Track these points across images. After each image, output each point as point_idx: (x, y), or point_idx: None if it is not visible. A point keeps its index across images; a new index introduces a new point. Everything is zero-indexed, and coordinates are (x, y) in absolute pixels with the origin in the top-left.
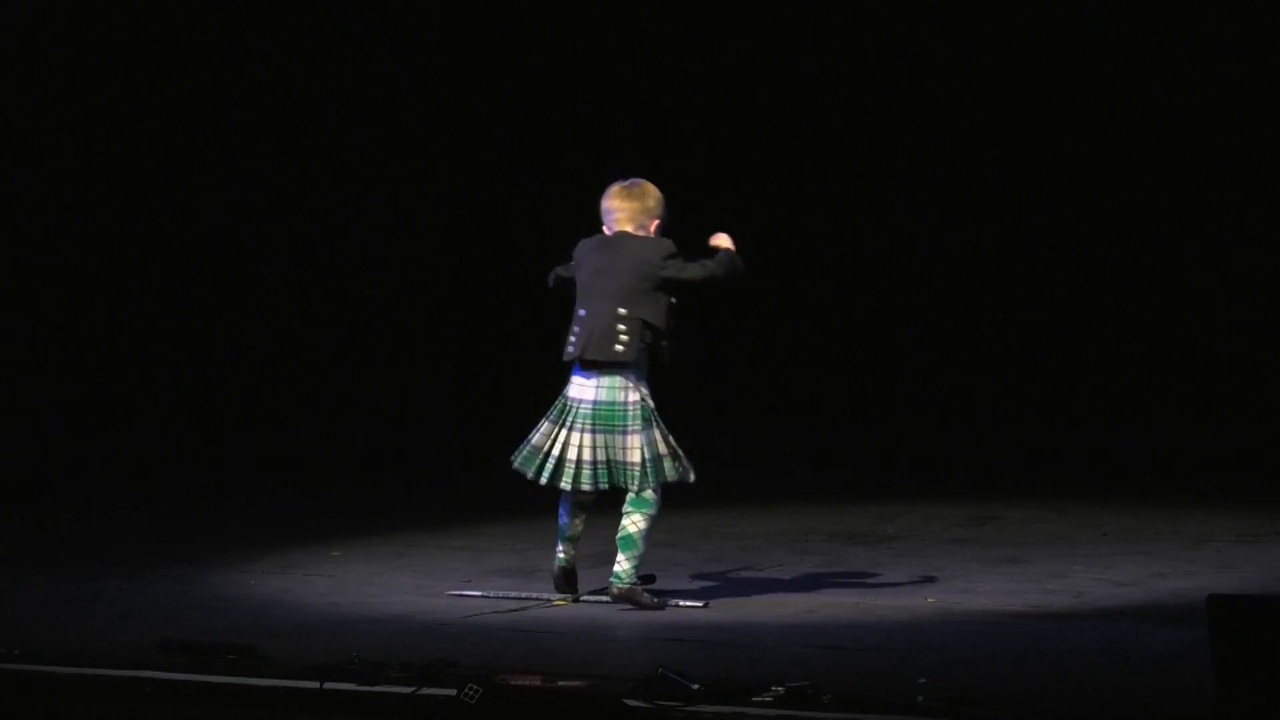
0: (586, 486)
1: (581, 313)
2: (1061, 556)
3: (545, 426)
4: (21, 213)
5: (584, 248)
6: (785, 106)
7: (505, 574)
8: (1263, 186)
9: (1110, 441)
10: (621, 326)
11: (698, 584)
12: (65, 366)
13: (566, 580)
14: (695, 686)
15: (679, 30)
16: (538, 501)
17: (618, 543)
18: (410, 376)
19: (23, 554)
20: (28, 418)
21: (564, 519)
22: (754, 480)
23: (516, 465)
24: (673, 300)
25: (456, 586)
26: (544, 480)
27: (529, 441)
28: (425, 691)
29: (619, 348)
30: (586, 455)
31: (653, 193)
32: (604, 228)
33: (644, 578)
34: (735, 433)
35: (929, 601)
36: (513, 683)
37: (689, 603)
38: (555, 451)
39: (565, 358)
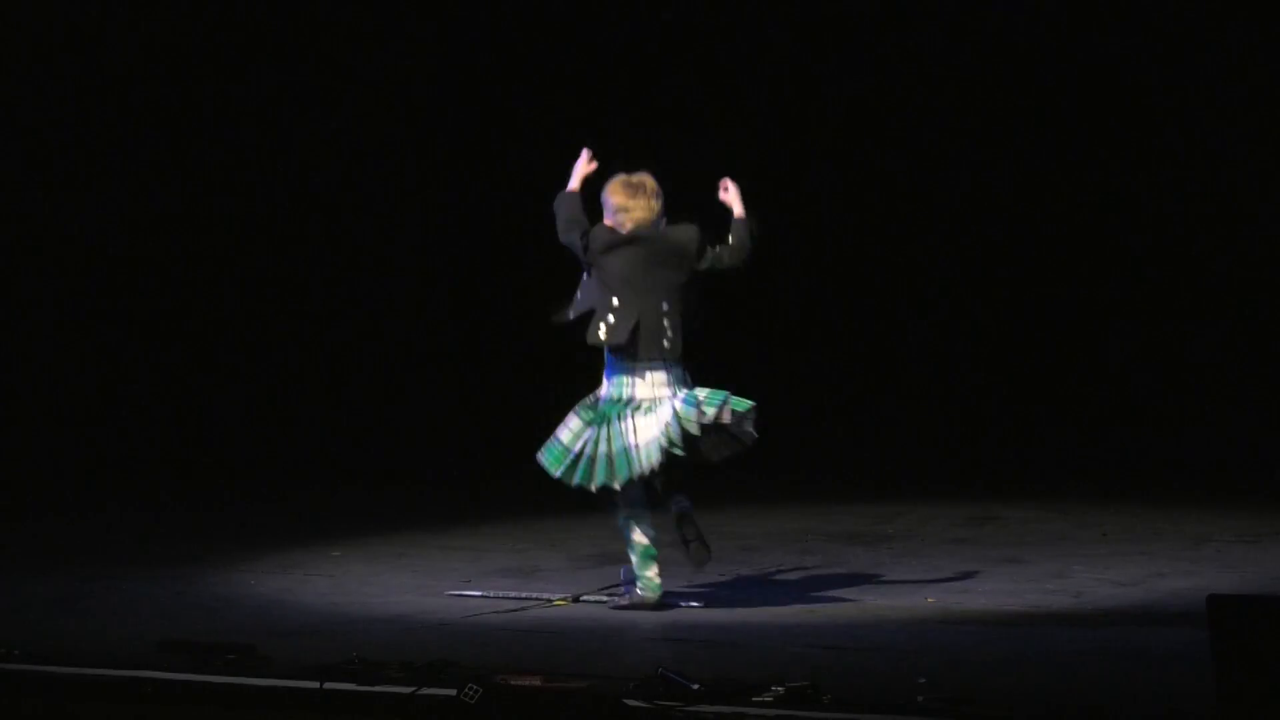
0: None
1: (615, 303)
2: (1061, 556)
3: (590, 431)
4: (21, 213)
5: (612, 237)
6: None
7: (505, 574)
8: (1262, 186)
9: (1110, 441)
10: (667, 324)
11: (698, 584)
12: (65, 366)
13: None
14: (695, 686)
15: (678, 30)
16: (538, 501)
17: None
18: (410, 376)
19: (23, 554)
20: (27, 418)
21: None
22: (754, 480)
23: (577, 481)
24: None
25: (456, 586)
26: (624, 478)
27: (579, 453)
28: (425, 691)
29: (665, 344)
30: (620, 443)
31: (652, 180)
32: (613, 219)
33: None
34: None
35: (929, 601)
36: (513, 683)
37: (689, 603)
38: (615, 448)
39: (610, 342)
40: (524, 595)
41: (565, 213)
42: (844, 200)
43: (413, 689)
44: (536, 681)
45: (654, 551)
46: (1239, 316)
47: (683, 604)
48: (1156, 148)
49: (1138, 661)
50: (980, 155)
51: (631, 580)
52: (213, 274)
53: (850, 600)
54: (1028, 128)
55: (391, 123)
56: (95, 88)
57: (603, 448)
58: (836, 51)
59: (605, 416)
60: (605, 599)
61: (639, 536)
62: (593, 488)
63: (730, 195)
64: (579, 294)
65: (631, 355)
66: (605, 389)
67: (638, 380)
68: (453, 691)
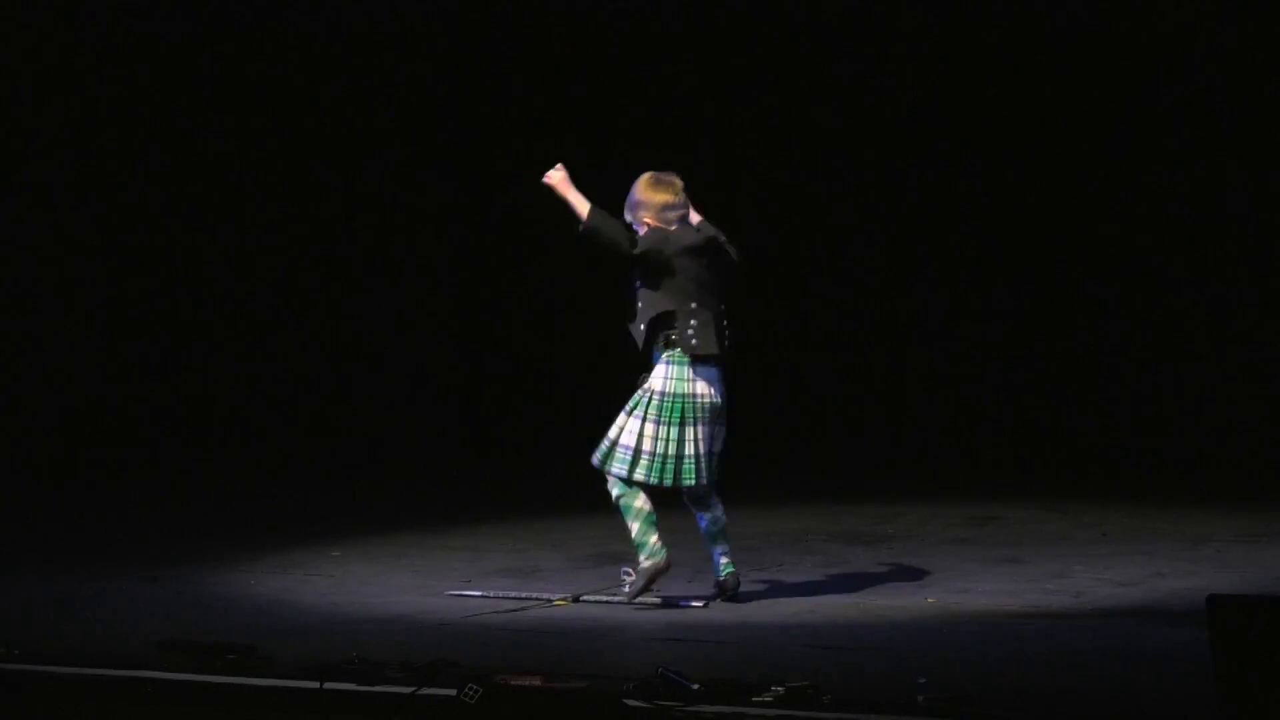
0: (706, 479)
1: (694, 305)
2: (1061, 556)
3: (663, 430)
4: (20, 213)
5: (683, 238)
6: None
7: (505, 574)
8: (1263, 185)
9: (1110, 441)
10: (725, 323)
11: (698, 584)
12: (65, 366)
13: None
14: (695, 686)
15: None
16: (538, 502)
17: (720, 536)
18: (410, 376)
19: (23, 554)
20: (27, 418)
21: (703, 521)
22: (754, 480)
23: (639, 475)
24: None
25: (456, 586)
26: (694, 481)
27: (646, 450)
28: (425, 691)
29: (726, 344)
30: (703, 448)
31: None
32: (658, 217)
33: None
34: (736, 432)
35: (929, 601)
36: (513, 683)
37: (689, 602)
38: (686, 451)
39: (701, 351)
40: (524, 595)
41: (614, 231)
42: (844, 200)
43: (413, 689)
44: (536, 681)
45: (655, 517)
46: (1240, 316)
47: (682, 604)
48: (1163, 147)
49: (1138, 661)
50: (978, 154)
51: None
52: (214, 273)
53: (850, 600)
54: (1026, 129)
55: (392, 122)
56: (96, 92)
57: (673, 449)
58: (837, 53)
59: (672, 412)
60: (605, 599)
61: (641, 503)
62: (666, 484)
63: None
64: (639, 303)
65: (703, 357)
66: (663, 383)
67: (699, 381)
68: (453, 691)
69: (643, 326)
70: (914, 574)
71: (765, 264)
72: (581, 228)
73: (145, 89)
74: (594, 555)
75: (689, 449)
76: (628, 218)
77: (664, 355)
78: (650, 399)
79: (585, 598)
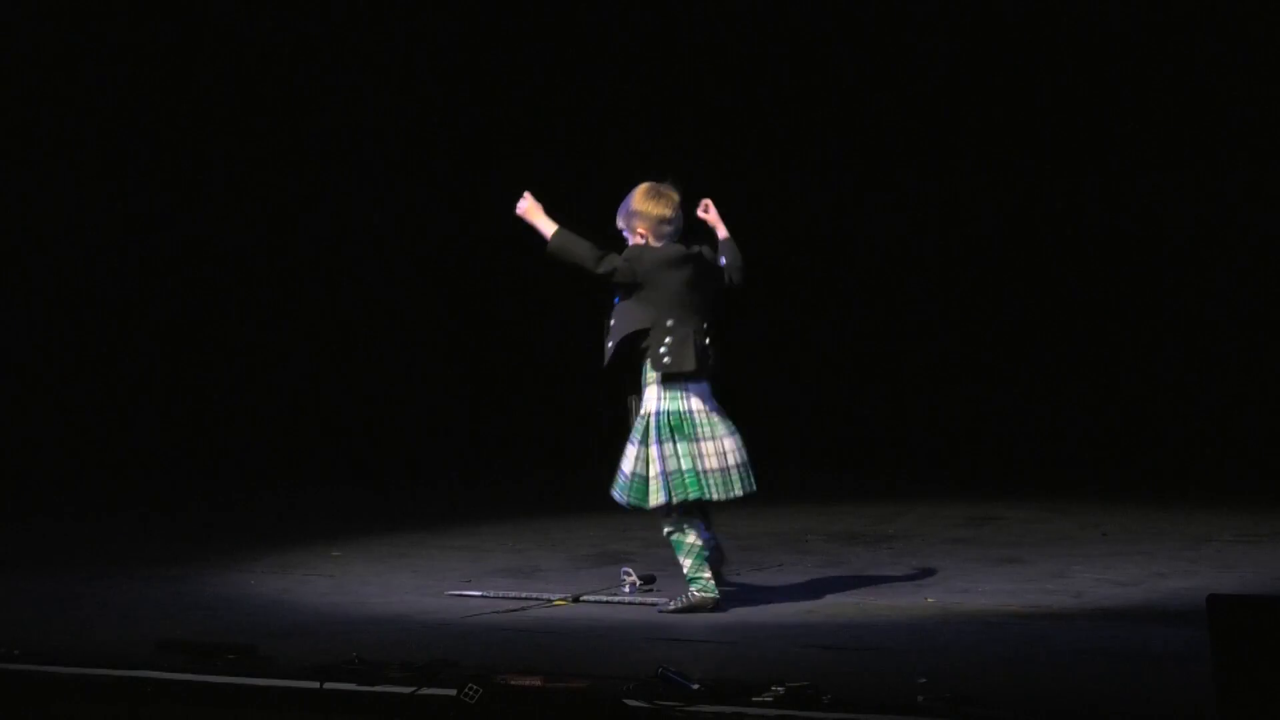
0: (738, 492)
1: (670, 323)
2: (1061, 556)
3: (668, 448)
4: (20, 212)
5: (666, 253)
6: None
7: (505, 574)
8: (1264, 185)
9: (1111, 441)
10: (706, 341)
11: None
12: (64, 366)
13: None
14: (695, 686)
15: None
16: (538, 502)
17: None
18: (410, 376)
19: (23, 554)
20: (27, 418)
21: (705, 535)
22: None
23: (682, 496)
24: None
25: (456, 586)
26: (719, 494)
27: (655, 474)
28: (425, 691)
29: (709, 362)
30: (733, 459)
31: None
32: (653, 230)
33: (645, 578)
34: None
35: (929, 601)
36: (513, 683)
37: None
38: (701, 465)
39: (674, 369)
40: (524, 595)
41: (578, 249)
42: (843, 200)
43: (413, 689)
44: (536, 681)
45: (707, 553)
46: (1238, 316)
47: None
48: (1163, 147)
49: (1138, 661)
50: (978, 154)
51: (649, 579)
52: (213, 273)
53: (850, 600)
54: (1026, 129)
55: (394, 124)
56: (98, 88)
57: (672, 464)
58: (838, 51)
59: (671, 430)
60: (605, 599)
61: (693, 539)
62: (676, 500)
63: (712, 215)
64: (613, 320)
65: (683, 375)
66: (655, 403)
67: (692, 397)
68: (453, 691)
69: (610, 344)
70: (914, 574)
71: (765, 264)
72: (546, 251)
73: (145, 89)
74: (594, 555)
75: (712, 462)
76: (620, 225)
77: (649, 376)
78: (648, 423)
79: (585, 598)
